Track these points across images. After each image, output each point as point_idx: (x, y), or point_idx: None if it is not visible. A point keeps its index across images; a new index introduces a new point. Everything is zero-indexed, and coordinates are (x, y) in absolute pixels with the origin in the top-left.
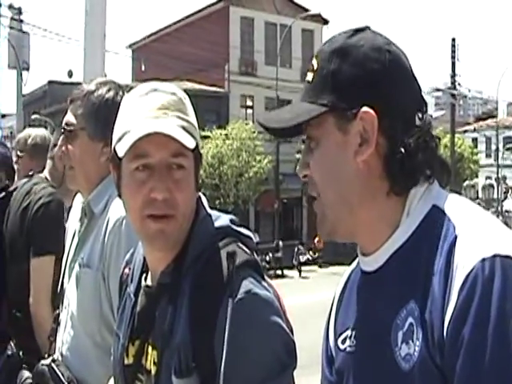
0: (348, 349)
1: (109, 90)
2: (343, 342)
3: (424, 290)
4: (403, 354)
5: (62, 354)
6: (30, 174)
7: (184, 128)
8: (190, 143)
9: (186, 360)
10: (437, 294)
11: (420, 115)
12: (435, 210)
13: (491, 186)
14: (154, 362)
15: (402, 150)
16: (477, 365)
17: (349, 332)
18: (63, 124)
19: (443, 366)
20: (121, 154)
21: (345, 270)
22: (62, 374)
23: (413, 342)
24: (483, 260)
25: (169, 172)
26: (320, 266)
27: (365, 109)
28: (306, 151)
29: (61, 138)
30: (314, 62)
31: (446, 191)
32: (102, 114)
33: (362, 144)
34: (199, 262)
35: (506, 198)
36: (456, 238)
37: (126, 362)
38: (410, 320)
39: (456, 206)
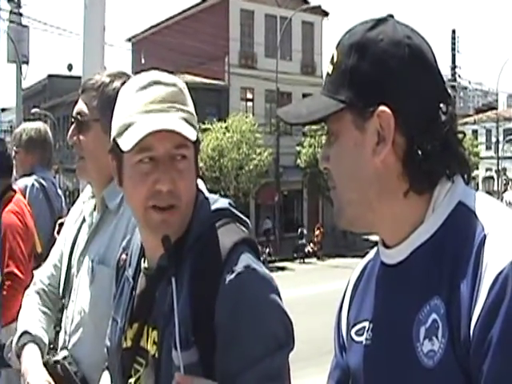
0: (365, 341)
1: (123, 84)
2: (358, 333)
3: (450, 288)
4: (426, 350)
5: (66, 347)
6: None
7: (186, 120)
8: (192, 135)
9: (185, 334)
10: (464, 293)
11: (444, 109)
12: (461, 206)
13: (491, 178)
14: (154, 342)
15: (419, 152)
16: (505, 366)
17: (365, 324)
18: (75, 113)
19: (468, 365)
20: (125, 148)
21: (344, 263)
22: (74, 373)
23: (437, 338)
24: None
25: (172, 163)
26: (319, 259)
27: (381, 108)
28: (327, 144)
29: (72, 127)
30: (334, 53)
31: (471, 188)
32: None
33: (379, 143)
34: (199, 242)
35: (506, 189)
36: (485, 237)
37: (124, 345)
38: (434, 316)
39: (483, 205)
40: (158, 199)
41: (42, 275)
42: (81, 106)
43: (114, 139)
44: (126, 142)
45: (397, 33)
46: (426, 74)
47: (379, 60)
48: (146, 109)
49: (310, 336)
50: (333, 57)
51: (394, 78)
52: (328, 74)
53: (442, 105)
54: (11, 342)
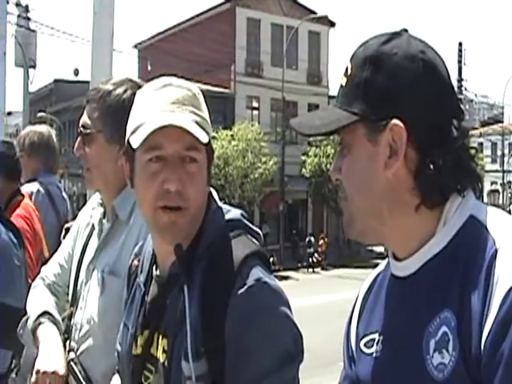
0: (375, 354)
1: (125, 91)
2: (367, 345)
3: (460, 301)
4: (435, 363)
5: (75, 354)
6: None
7: (197, 123)
8: (203, 137)
9: (196, 344)
10: (475, 306)
11: (456, 124)
12: (472, 220)
13: (497, 191)
14: (164, 350)
15: (431, 166)
16: None
17: (375, 336)
18: (80, 126)
19: (479, 378)
20: (135, 145)
21: (348, 274)
22: (79, 372)
23: (447, 351)
24: None
25: (182, 164)
26: (323, 268)
27: (394, 121)
28: (339, 156)
29: (78, 139)
30: (348, 66)
31: (481, 202)
32: (119, 116)
33: (391, 156)
34: (210, 252)
35: (511, 203)
36: (496, 251)
37: (134, 352)
38: (445, 329)
39: (494, 219)
40: (166, 199)
41: (49, 272)
42: (84, 118)
43: (128, 140)
44: (136, 139)
45: (411, 47)
46: (440, 88)
47: (393, 74)
48: (158, 109)
49: (313, 346)
50: (347, 69)
51: (408, 91)
52: (342, 86)
53: (454, 120)
54: (26, 320)
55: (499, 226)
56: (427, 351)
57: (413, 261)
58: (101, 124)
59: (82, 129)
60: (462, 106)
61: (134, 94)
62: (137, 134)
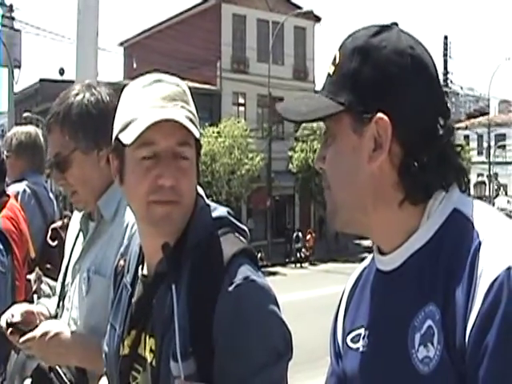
0: (361, 348)
1: (83, 98)
2: (354, 340)
3: (445, 294)
4: (421, 357)
5: None
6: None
7: (189, 118)
8: (196, 132)
9: (184, 344)
10: (459, 299)
11: (442, 122)
12: (456, 213)
13: (483, 183)
14: (151, 350)
15: (416, 163)
16: (501, 372)
17: (361, 331)
18: (51, 157)
19: (464, 371)
20: (127, 141)
21: (336, 268)
22: (65, 374)
23: (432, 345)
24: (509, 268)
25: (175, 160)
26: (311, 263)
27: (379, 115)
28: (324, 144)
29: (53, 172)
30: (337, 54)
31: (466, 196)
32: (88, 123)
33: (375, 149)
34: (198, 250)
35: (497, 195)
36: (480, 244)
37: (121, 352)
38: (429, 323)
39: (478, 212)
40: (159, 194)
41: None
42: (52, 147)
43: (116, 137)
44: (129, 135)
45: (400, 42)
46: (427, 86)
47: (381, 66)
48: (149, 105)
49: (301, 341)
50: (335, 58)
51: (395, 86)
52: (329, 74)
53: (440, 118)
54: None
55: (483, 218)
56: (412, 345)
57: (397, 255)
58: (73, 142)
59: (54, 159)
60: (448, 104)
61: (93, 95)
62: (129, 130)
